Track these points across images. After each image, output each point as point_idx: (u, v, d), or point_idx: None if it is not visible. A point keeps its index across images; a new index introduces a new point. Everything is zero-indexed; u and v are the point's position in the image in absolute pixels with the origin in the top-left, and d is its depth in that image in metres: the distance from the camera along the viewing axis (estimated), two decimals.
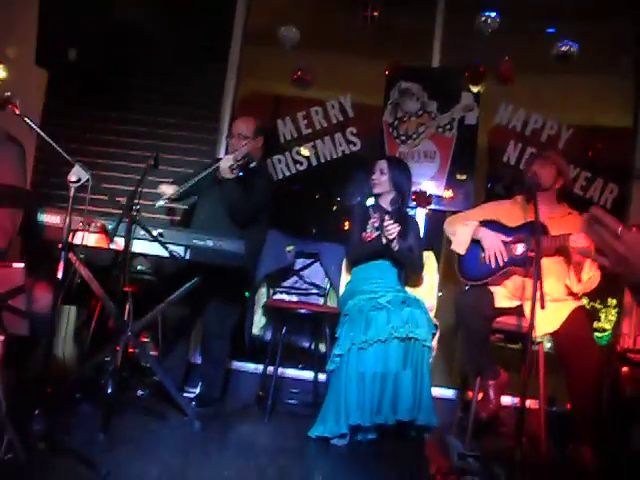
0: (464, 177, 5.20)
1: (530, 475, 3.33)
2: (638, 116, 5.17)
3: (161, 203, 4.33)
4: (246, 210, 4.34)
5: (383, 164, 4.39)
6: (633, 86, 5.25)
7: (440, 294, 4.56)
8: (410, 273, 4.40)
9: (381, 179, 4.35)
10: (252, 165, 4.50)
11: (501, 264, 3.99)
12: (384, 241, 4.06)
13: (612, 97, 5.37)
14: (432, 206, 5.21)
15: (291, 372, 4.94)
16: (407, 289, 4.32)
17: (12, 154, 3.45)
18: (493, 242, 4.03)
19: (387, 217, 4.05)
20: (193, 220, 4.53)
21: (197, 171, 4.48)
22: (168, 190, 4.42)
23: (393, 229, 3.99)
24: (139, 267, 3.85)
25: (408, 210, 4.56)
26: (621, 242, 1.45)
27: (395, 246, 4.09)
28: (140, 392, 4.19)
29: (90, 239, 3.51)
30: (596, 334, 4.81)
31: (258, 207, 4.41)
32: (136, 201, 3.42)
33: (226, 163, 4.31)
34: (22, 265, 2.80)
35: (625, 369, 4.01)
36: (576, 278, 3.88)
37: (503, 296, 4.01)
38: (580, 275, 3.86)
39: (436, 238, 4.94)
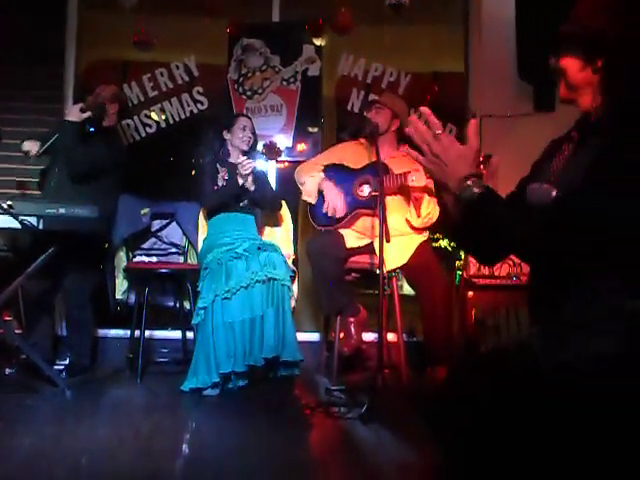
0: (315, 129, 5.36)
1: (391, 399, 3.56)
2: (468, 62, 5.47)
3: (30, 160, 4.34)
4: (82, 160, 4.27)
5: (250, 123, 4.49)
6: (462, 33, 5.53)
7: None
8: (269, 211, 4.57)
9: (250, 137, 4.44)
10: (105, 124, 4.50)
11: (337, 216, 4.19)
12: (240, 182, 4.19)
13: (446, 45, 5.63)
14: (283, 157, 5.35)
15: (159, 333, 4.97)
16: (265, 238, 4.46)
17: None
18: (333, 197, 4.21)
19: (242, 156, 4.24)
20: (44, 187, 4.46)
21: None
22: (33, 147, 4.35)
23: (248, 164, 4.13)
24: None
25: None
26: (438, 143, 1.57)
27: (251, 186, 4.22)
28: (8, 371, 4.11)
29: None
30: (459, 272, 5.09)
31: (98, 163, 4.34)
32: None
33: (74, 107, 4.33)
34: None
35: (470, 294, 4.32)
36: (416, 213, 4.14)
37: (353, 236, 4.22)
38: (419, 211, 4.12)
39: (290, 189, 5.06)
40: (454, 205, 1.62)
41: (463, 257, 5.16)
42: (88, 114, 4.31)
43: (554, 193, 1.50)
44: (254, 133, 4.49)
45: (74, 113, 4.30)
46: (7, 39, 5.25)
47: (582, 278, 1.45)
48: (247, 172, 4.14)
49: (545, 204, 1.51)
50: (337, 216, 4.19)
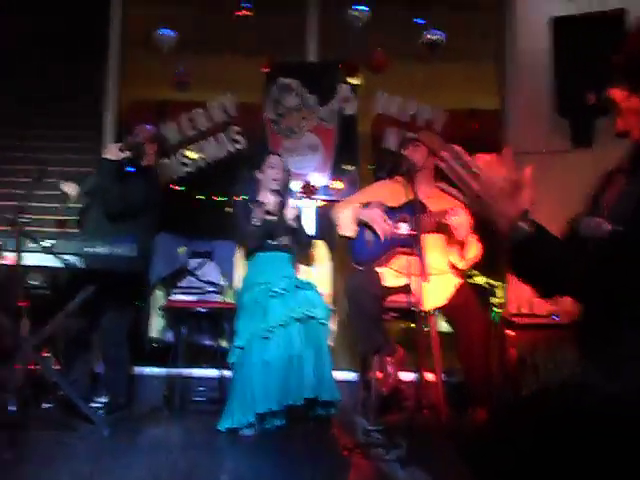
0: (350, 167, 5.38)
1: (430, 441, 3.51)
2: (504, 98, 5.47)
3: (67, 204, 4.37)
4: (119, 199, 4.31)
5: (280, 161, 4.53)
6: (497, 70, 5.55)
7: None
8: (303, 250, 4.56)
9: (280, 176, 4.48)
10: (143, 164, 4.56)
11: (388, 229, 4.17)
12: (273, 219, 4.26)
13: (481, 81, 5.64)
14: (320, 196, 5.37)
15: (196, 371, 4.94)
16: (302, 276, 4.46)
17: None
18: (374, 214, 4.21)
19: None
20: (83, 226, 4.52)
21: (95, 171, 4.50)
22: (71, 190, 4.42)
23: (293, 211, 4.24)
24: (33, 282, 3.81)
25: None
26: (477, 181, 1.55)
27: (293, 223, 4.29)
28: (46, 406, 4.13)
29: None
30: (495, 309, 5.04)
31: (134, 202, 4.38)
32: (23, 214, 3.40)
33: (113, 146, 4.42)
34: None
35: (510, 332, 4.26)
36: (460, 256, 4.10)
37: (391, 275, 4.18)
38: (464, 253, 4.09)
39: (327, 227, 5.07)
40: (504, 242, 1.59)
41: (502, 295, 5.10)
42: (127, 154, 4.37)
43: (607, 227, 1.47)
44: (286, 171, 4.51)
45: (113, 152, 4.36)
46: (50, 77, 5.38)
47: (634, 309, 1.42)
48: (292, 217, 4.20)
49: (599, 238, 1.48)
50: (387, 232, 4.17)
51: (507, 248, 1.58)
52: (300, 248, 4.51)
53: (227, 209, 5.41)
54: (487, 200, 1.54)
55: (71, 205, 4.54)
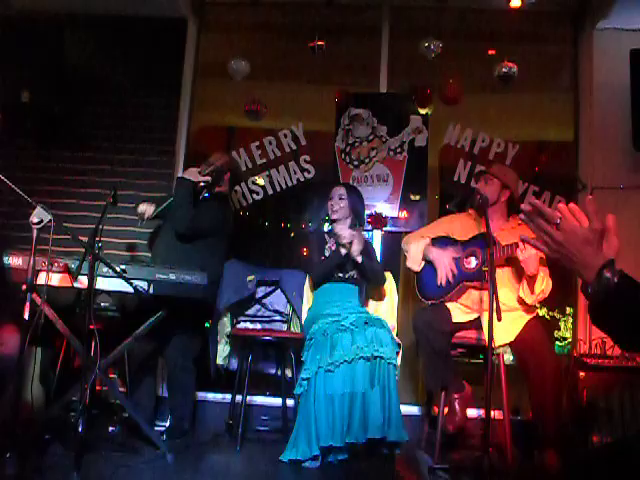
0: (417, 197, 5.34)
1: None
2: (578, 130, 5.37)
3: (140, 226, 4.48)
4: (189, 220, 4.35)
5: (342, 190, 4.50)
6: (572, 102, 5.46)
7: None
8: (373, 285, 4.51)
9: (340, 205, 4.45)
10: (218, 190, 4.64)
11: (452, 282, 4.10)
12: (343, 252, 4.19)
13: (554, 113, 5.55)
14: (388, 227, 5.33)
15: (259, 399, 4.96)
16: (369, 309, 4.41)
17: None
18: (443, 262, 4.14)
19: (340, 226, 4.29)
20: (153, 249, 4.59)
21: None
22: (148, 209, 4.50)
23: (344, 232, 4.14)
24: (103, 304, 3.86)
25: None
26: (560, 230, 1.52)
27: (358, 257, 4.21)
28: (111, 429, 4.16)
29: (54, 279, 3.55)
30: (557, 343, 4.93)
31: (205, 225, 4.44)
32: (98, 238, 3.46)
33: (192, 169, 4.48)
34: None
35: (582, 373, 4.13)
36: (529, 290, 4.00)
37: (460, 311, 4.12)
38: (533, 287, 3.98)
39: (394, 259, 5.05)
40: (587, 291, 1.55)
41: (566, 329, 4.99)
42: (207, 178, 4.42)
43: None
44: (346, 199, 4.47)
45: (191, 174, 4.41)
46: (126, 105, 5.50)
47: None
48: (344, 242, 4.14)
49: None
50: (451, 280, 4.09)
51: (590, 298, 1.55)
52: (369, 281, 4.46)
53: (292, 235, 5.44)
54: (570, 250, 1.51)
55: (142, 229, 4.61)
